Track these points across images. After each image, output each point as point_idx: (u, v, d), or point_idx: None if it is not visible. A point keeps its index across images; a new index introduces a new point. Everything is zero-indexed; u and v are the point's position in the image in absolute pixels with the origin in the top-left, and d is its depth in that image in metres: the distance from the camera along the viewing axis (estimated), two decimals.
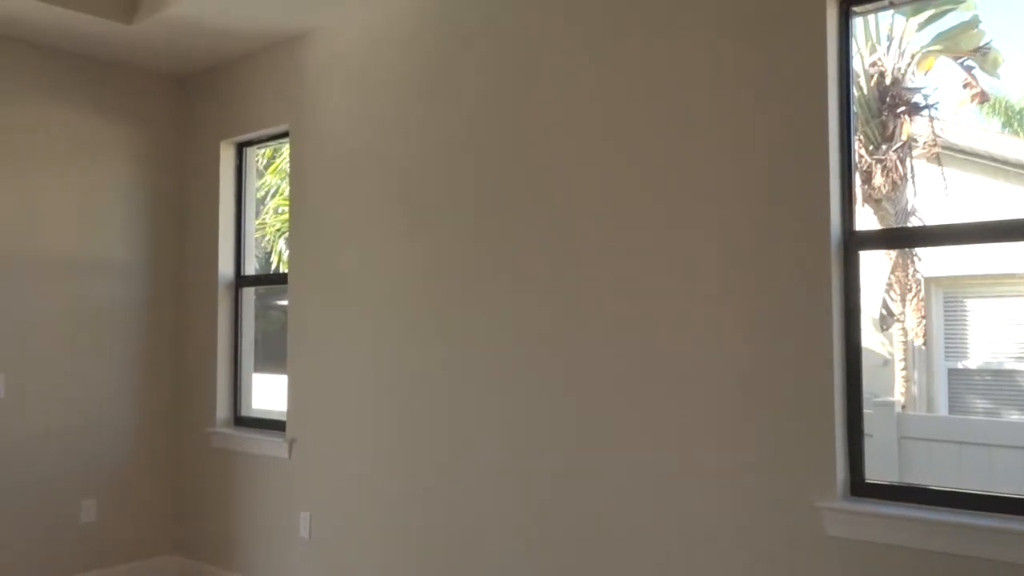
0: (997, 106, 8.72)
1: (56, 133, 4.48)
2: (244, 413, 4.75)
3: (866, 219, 7.48)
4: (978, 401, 7.77)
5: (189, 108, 4.99)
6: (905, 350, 7.76)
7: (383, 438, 3.79)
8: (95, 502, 4.57)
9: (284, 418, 4.33)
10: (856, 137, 2.81)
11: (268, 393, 4.90)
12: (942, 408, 7.83)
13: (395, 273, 3.78)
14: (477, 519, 3.41)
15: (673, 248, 2.89)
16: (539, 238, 3.25)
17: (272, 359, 4.85)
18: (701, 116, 2.84)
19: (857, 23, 2.76)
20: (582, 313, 3.12)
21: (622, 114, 3.04)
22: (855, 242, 2.65)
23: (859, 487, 2.59)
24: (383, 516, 3.77)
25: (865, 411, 2.64)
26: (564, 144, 3.20)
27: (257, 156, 5.10)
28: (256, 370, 4.88)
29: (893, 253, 7.55)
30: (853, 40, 2.74)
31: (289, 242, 4.37)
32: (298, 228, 4.28)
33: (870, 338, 7.82)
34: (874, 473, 2.64)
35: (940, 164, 7.45)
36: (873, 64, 7.73)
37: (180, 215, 4.99)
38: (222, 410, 4.72)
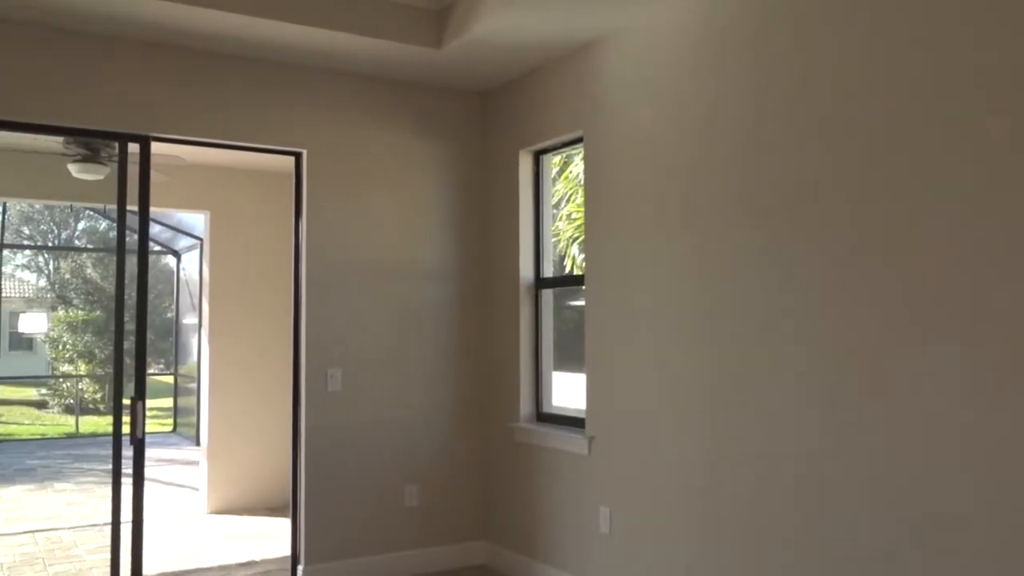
0: None
1: (379, 152, 5.00)
2: (545, 410, 4.95)
3: None
4: None
5: (490, 121, 5.31)
6: None
7: (683, 438, 3.75)
8: (417, 488, 5.01)
9: (582, 415, 4.45)
10: None
11: (565, 390, 5.05)
12: None
13: (695, 273, 3.73)
14: (782, 522, 3.25)
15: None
16: (848, 239, 3.04)
17: (567, 358, 5.00)
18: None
19: None
20: (903, 317, 2.86)
21: (961, 105, 2.74)
22: None
23: None
24: (684, 515, 3.73)
25: None
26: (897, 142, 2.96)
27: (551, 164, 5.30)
28: (554, 368, 5.07)
29: None
30: None
31: (585, 242, 4.48)
32: (594, 227, 4.38)
33: None
34: None
35: None
36: None
37: (484, 221, 5.33)
38: (525, 406, 4.95)
